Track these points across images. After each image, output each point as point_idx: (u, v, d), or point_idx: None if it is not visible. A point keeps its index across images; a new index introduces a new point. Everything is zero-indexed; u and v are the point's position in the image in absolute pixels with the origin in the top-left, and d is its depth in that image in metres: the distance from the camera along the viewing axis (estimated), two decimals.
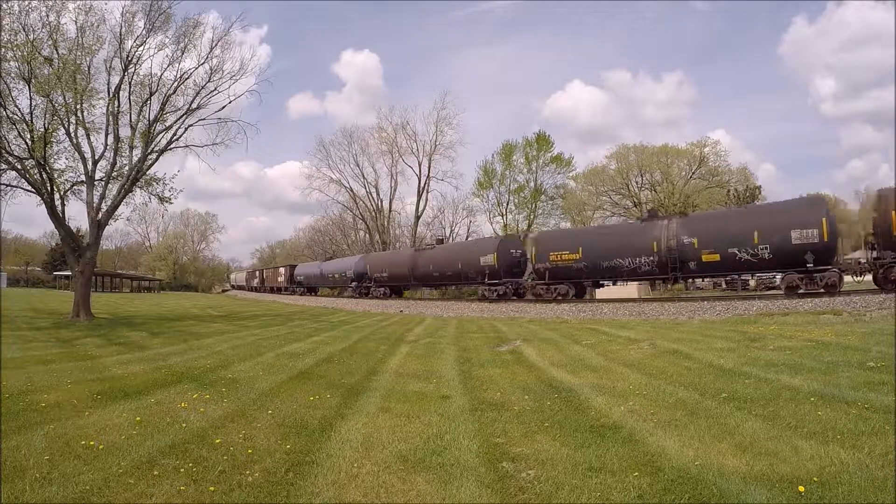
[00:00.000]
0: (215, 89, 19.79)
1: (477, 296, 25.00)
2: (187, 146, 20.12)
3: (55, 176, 17.28)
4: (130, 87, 18.56)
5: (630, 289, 27.26)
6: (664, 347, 8.91)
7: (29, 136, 16.38)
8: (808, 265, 14.48)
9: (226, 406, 5.33)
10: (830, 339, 8.57)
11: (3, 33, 15.45)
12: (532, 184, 49.89)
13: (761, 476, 3.28)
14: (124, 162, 18.66)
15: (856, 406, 4.63)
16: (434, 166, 49.39)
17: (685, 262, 16.92)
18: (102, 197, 18.45)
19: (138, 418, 4.72)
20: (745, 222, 15.99)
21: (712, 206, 35.25)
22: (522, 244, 25.72)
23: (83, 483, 3.26)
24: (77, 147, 17.79)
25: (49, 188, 17.18)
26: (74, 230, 21.30)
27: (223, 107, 20.34)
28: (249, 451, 3.92)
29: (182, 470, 3.51)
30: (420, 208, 49.58)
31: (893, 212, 13.62)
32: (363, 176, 50.69)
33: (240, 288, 68.42)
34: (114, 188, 18.61)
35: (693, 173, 41.47)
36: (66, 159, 17.87)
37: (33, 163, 16.55)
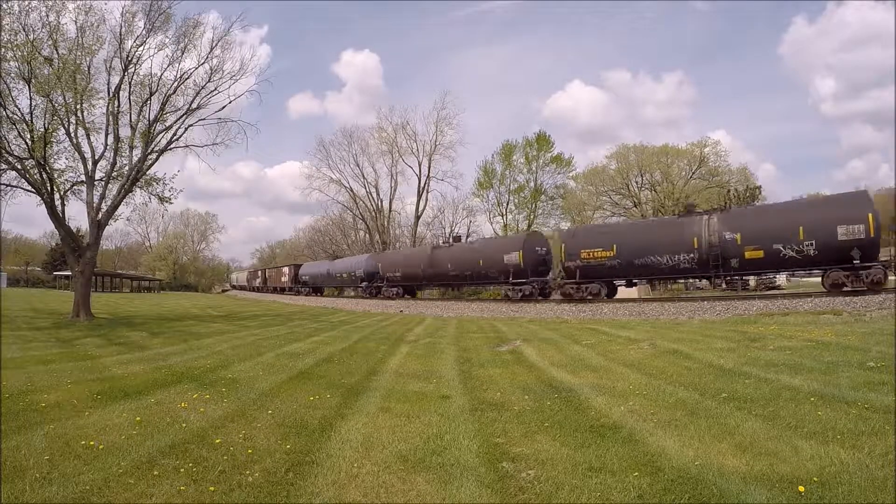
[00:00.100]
0: (215, 89, 19.87)
1: (488, 296, 24.14)
2: (187, 146, 20.18)
3: (55, 176, 17.29)
4: (130, 87, 18.58)
5: (630, 289, 27.10)
6: (664, 347, 8.92)
7: (29, 136, 16.40)
8: (854, 262, 13.89)
9: (226, 406, 5.33)
10: (830, 339, 8.58)
11: (3, 33, 15.46)
12: (532, 184, 49.94)
13: (761, 476, 3.28)
14: (124, 162, 18.72)
15: (856, 406, 4.63)
16: (434, 166, 49.40)
17: (727, 260, 15.99)
18: (102, 197, 18.50)
19: (138, 418, 4.72)
20: (789, 217, 15.20)
21: (712, 207, 35.11)
22: (547, 241, 24.62)
23: (83, 483, 3.26)
24: (77, 147, 17.83)
25: (49, 188, 17.19)
26: (74, 230, 21.31)
27: (223, 107, 20.42)
28: (249, 451, 3.92)
29: (182, 470, 3.51)
30: (420, 208, 49.62)
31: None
32: (363, 176, 50.74)
33: (241, 288, 68.06)
34: (114, 188, 18.66)
35: (693, 173, 41.41)
36: (66, 159, 17.94)
37: (33, 163, 16.56)
